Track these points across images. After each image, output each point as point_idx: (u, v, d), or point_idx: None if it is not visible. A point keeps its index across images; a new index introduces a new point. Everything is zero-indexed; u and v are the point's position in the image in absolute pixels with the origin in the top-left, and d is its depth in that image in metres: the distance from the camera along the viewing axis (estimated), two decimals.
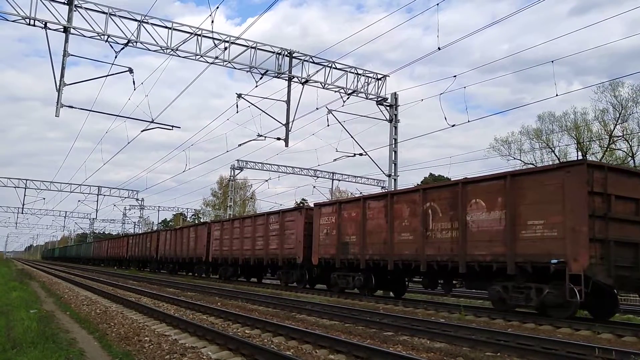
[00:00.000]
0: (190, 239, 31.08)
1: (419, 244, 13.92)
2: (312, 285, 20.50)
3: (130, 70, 19.16)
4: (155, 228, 69.49)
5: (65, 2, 17.57)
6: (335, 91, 22.71)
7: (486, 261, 12.02)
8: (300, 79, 21.80)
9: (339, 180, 44.39)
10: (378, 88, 23.42)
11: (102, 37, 18.25)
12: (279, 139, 21.81)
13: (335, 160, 25.62)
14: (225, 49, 20.00)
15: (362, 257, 16.00)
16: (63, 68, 17.57)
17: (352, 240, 16.59)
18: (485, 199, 12.23)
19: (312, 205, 19.79)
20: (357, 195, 17.01)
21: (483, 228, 12.18)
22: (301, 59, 21.71)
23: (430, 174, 56.83)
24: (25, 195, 48.83)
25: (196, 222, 67.33)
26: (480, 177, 12.98)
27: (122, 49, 18.63)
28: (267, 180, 41.95)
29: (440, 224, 13.40)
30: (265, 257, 22.05)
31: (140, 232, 59.24)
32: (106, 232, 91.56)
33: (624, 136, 42.24)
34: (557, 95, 18.18)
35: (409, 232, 14.41)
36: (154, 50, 19.16)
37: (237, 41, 20.31)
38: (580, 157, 42.32)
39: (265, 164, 39.59)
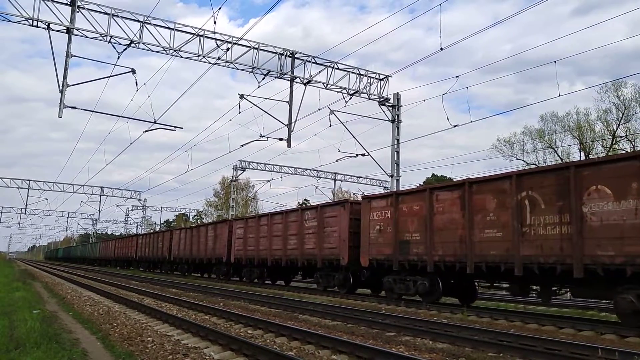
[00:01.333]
0: (209, 238, 28.78)
1: (511, 243, 11.57)
2: (353, 290, 18.03)
3: (133, 71, 19.23)
4: (157, 229, 69.59)
5: (68, 3, 17.64)
6: (338, 92, 22.75)
7: (615, 263, 9.72)
8: (302, 79, 21.82)
9: (342, 181, 44.42)
10: (380, 88, 23.44)
11: (105, 37, 18.30)
12: (281, 139, 21.85)
13: (337, 160, 25.74)
14: (228, 49, 20.05)
15: (430, 258, 13.64)
16: (66, 69, 17.64)
17: (415, 239, 14.25)
18: (611, 185, 9.94)
19: (360, 198, 17.82)
20: (420, 186, 14.69)
21: (609, 222, 9.88)
22: (303, 60, 21.74)
23: (433, 174, 56.78)
24: (28, 195, 49.11)
25: (198, 222, 67.36)
26: (602, 159, 11.09)
27: (124, 49, 18.68)
28: (269, 181, 41.93)
29: (542, 217, 11.03)
30: (300, 257, 19.73)
31: (143, 231, 59.32)
32: (109, 233, 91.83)
33: (627, 136, 42.18)
34: (559, 95, 18.15)
35: (496, 228, 12.02)
36: (156, 51, 19.22)
37: (240, 42, 20.35)
38: (583, 158, 42.28)
39: (268, 164, 39.65)
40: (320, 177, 41.68)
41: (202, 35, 19.50)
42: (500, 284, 14.61)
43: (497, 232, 12.04)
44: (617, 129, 42.89)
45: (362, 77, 23.07)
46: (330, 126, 23.11)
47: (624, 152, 41.04)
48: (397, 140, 23.31)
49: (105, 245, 60.07)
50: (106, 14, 18.23)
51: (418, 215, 14.32)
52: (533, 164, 44.85)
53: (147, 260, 41.84)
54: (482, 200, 12.49)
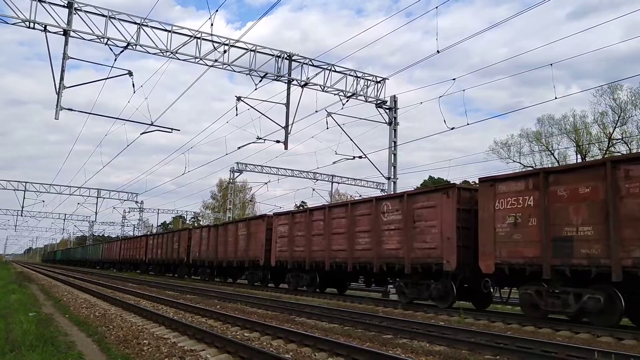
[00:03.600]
0: (240, 237, 25.04)
1: None
2: (450, 305, 13.84)
3: (130, 73, 19.20)
4: (154, 231, 69.43)
5: (65, 5, 17.62)
6: (335, 94, 22.75)
7: None
8: (299, 81, 21.83)
9: (339, 183, 44.48)
10: (377, 91, 23.46)
11: (102, 39, 18.27)
12: (278, 141, 21.84)
13: (334, 162, 25.69)
14: (225, 51, 20.04)
15: (615, 262, 9.76)
16: (63, 71, 17.61)
17: (584, 235, 10.38)
18: None
19: (468, 184, 14.27)
20: (589, 160, 10.70)
21: None
22: (301, 62, 21.76)
23: (430, 176, 56.90)
24: (24, 197, 48.88)
25: (195, 224, 67.27)
26: None
27: (121, 51, 18.65)
28: (266, 183, 41.94)
29: None
30: (375, 260, 15.79)
31: (140, 233, 59.18)
32: (105, 235, 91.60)
33: (623, 139, 42.35)
34: (556, 98, 18.09)
35: None
36: (153, 53, 19.20)
37: (237, 44, 20.33)
38: (579, 160, 42.40)
39: (265, 166, 39.61)
40: (317, 180, 41.72)
41: (199, 38, 19.49)
42: None
43: None
44: (613, 131, 43.11)
45: (359, 79, 23.09)
46: (328, 128, 23.15)
47: (620, 154, 41.24)
48: (394, 142, 23.32)
49: (109, 247, 57.11)
50: (103, 15, 18.20)
51: (589, 200, 10.44)
52: (530, 167, 44.97)
53: (159, 263, 38.38)
54: None
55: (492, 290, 12.93)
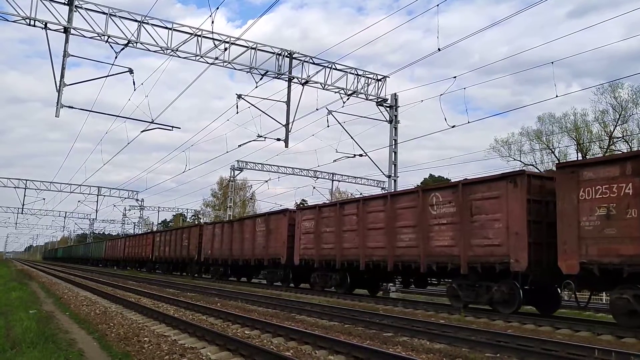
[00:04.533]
0: (258, 234, 23.51)
1: None
2: (515, 310, 11.95)
3: (131, 71, 19.18)
4: (155, 229, 69.40)
5: (66, 2, 17.59)
6: (335, 92, 22.74)
7: None
8: (300, 79, 21.81)
9: (339, 181, 44.41)
10: (378, 89, 23.43)
11: (102, 37, 18.26)
12: (278, 139, 21.84)
13: (335, 161, 25.64)
14: (226, 49, 20.04)
15: None
16: (63, 68, 17.61)
17: None
18: None
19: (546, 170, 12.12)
20: None
21: None
22: (301, 60, 21.74)
23: (430, 174, 56.97)
24: (25, 195, 48.88)
25: (196, 222, 67.10)
26: None
27: (122, 49, 18.66)
28: (267, 181, 41.86)
29: None
30: (422, 258, 14.03)
31: (141, 232, 59.14)
32: (106, 233, 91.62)
33: (624, 137, 42.27)
34: (556, 96, 18.10)
35: None
36: (154, 51, 19.18)
37: (237, 42, 20.32)
38: (580, 158, 42.36)
39: (265, 164, 39.58)
40: (317, 178, 41.68)
41: (199, 35, 19.47)
42: None
43: None
44: (614, 129, 43.03)
45: (359, 77, 23.06)
46: (328, 126, 23.13)
47: (620, 152, 41.16)
48: (395, 140, 23.30)
49: (112, 245, 55.66)
50: (104, 13, 18.18)
51: None
52: (530, 165, 44.97)
53: (167, 261, 36.99)
54: None
55: (561, 292, 11.81)
